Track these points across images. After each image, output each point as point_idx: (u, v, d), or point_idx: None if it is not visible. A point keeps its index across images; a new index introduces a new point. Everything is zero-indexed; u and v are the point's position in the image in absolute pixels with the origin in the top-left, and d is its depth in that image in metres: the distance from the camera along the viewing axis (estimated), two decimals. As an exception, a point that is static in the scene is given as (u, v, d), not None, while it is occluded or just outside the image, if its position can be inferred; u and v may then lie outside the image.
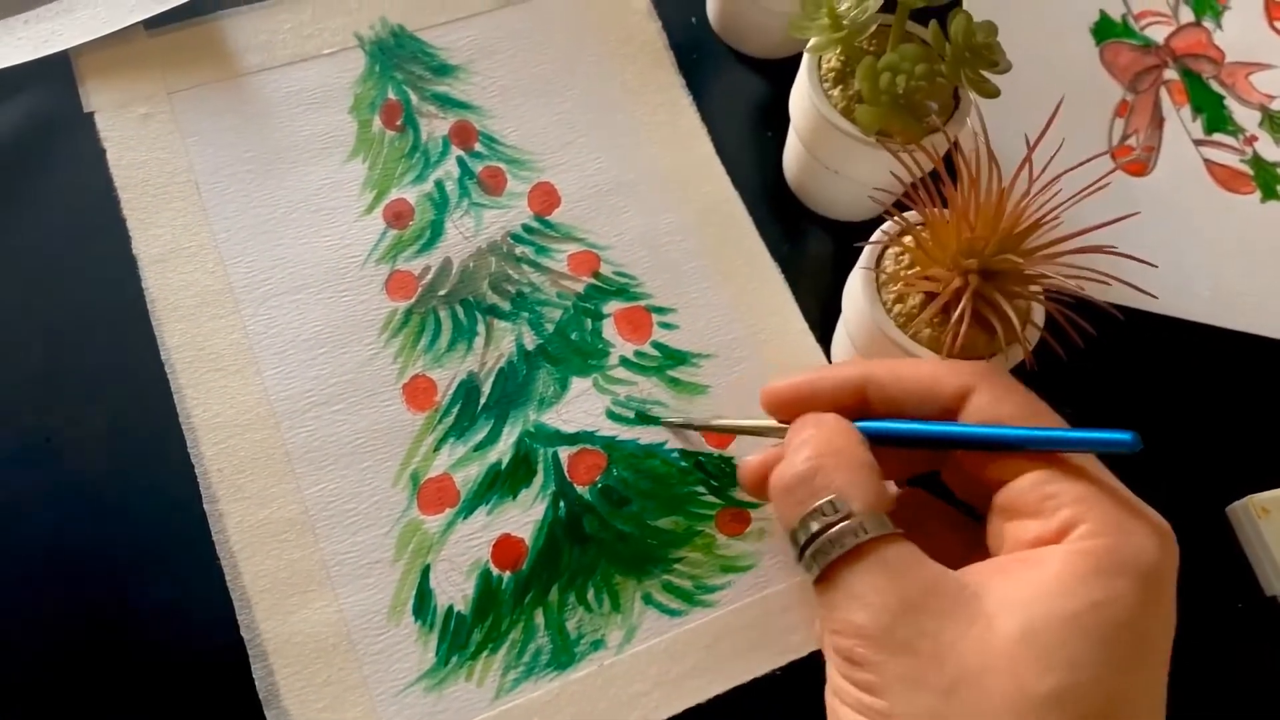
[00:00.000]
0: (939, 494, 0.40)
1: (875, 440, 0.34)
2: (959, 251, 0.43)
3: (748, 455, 0.39)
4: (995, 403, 0.33)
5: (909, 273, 0.45)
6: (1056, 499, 0.30)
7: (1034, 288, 0.44)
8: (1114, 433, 0.30)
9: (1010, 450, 0.32)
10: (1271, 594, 0.48)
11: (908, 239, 0.45)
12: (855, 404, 0.35)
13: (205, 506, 0.45)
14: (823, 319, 0.52)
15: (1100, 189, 0.42)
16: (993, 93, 0.47)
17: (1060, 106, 0.43)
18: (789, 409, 0.36)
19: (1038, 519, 0.30)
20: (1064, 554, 0.29)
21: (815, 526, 0.31)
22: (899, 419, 0.34)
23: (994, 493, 0.33)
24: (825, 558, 0.30)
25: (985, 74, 0.47)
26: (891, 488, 0.38)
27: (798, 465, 0.32)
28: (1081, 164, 0.43)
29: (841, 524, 0.30)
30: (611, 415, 0.49)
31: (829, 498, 0.31)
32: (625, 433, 0.48)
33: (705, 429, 0.47)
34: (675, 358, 0.50)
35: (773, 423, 0.37)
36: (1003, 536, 0.32)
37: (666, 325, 0.51)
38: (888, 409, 0.34)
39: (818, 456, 0.32)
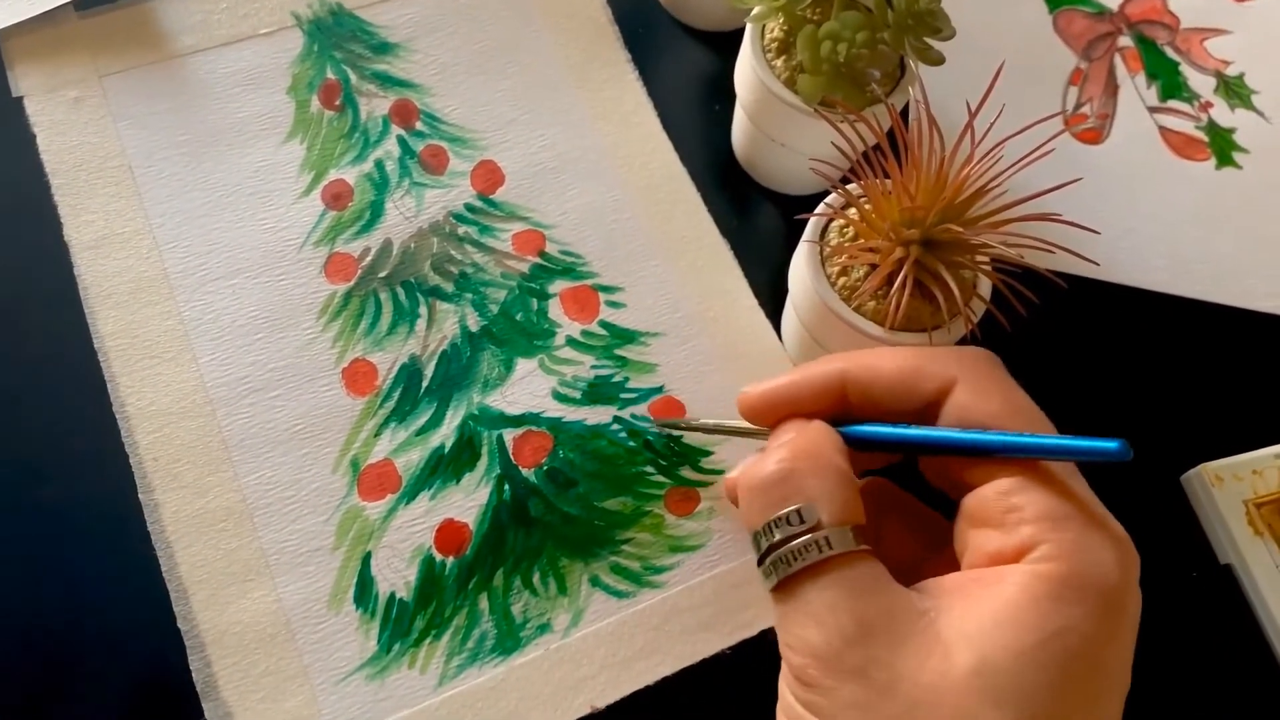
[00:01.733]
0: (908, 480, 0.39)
1: (856, 445, 0.32)
2: (900, 222, 0.42)
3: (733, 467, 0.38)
4: (976, 400, 0.31)
5: (852, 244, 0.44)
6: (1019, 513, 0.29)
7: (980, 258, 0.43)
8: (1099, 441, 0.28)
9: (985, 456, 0.31)
10: (1225, 562, 0.48)
11: (851, 211, 0.45)
12: (835, 405, 0.33)
13: (140, 496, 0.44)
14: (773, 295, 0.51)
15: (1044, 155, 0.42)
16: (936, 60, 0.46)
17: (1001, 71, 0.42)
18: (766, 415, 0.34)
19: (1000, 531, 0.29)
20: (1021, 577, 0.28)
21: (779, 534, 0.30)
22: (878, 417, 0.33)
23: (964, 495, 0.32)
24: (786, 569, 0.29)
25: (929, 41, 0.46)
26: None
27: (770, 466, 0.31)
28: (1024, 129, 0.42)
29: (806, 536, 0.29)
30: (558, 396, 0.48)
31: (797, 505, 0.30)
32: (571, 413, 0.47)
33: (694, 429, 0.46)
34: (623, 337, 0.50)
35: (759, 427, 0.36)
36: (966, 543, 0.31)
37: (614, 304, 0.50)
38: (867, 407, 0.33)
39: (793, 459, 0.31)
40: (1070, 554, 0.28)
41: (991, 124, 0.41)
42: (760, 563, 0.30)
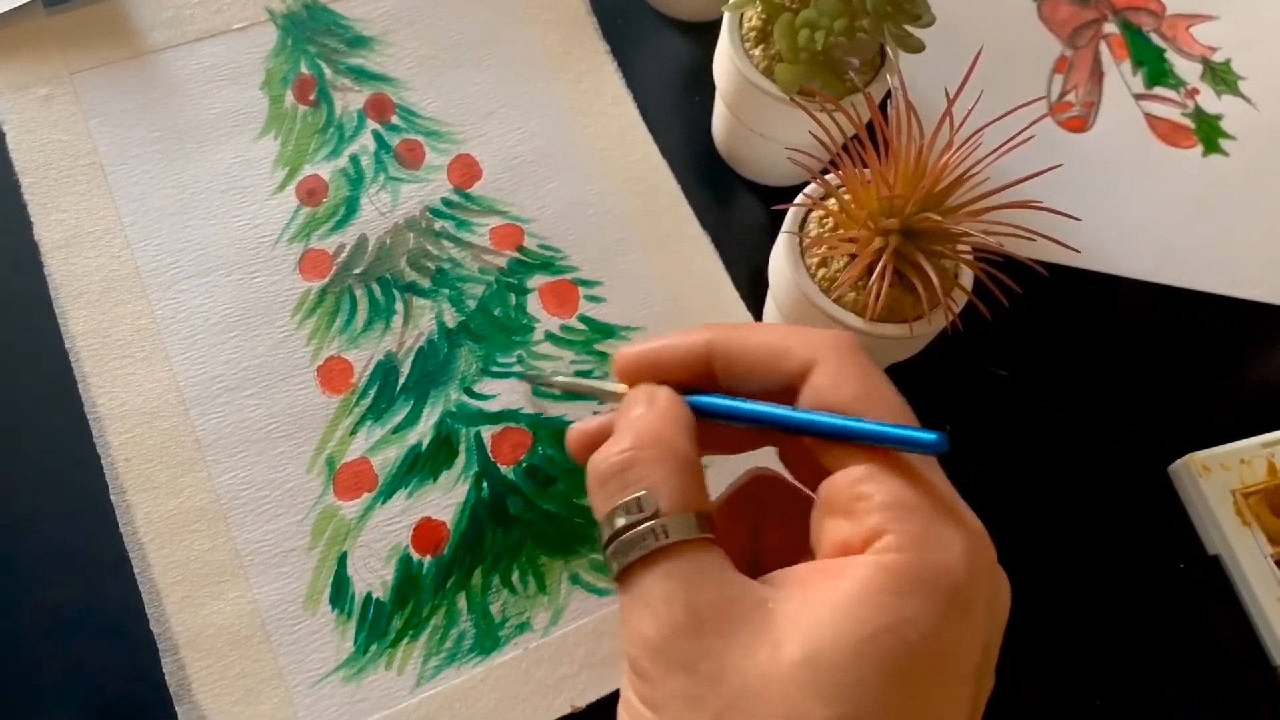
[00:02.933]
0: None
1: (704, 415, 0.32)
2: (879, 211, 0.41)
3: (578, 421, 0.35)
4: (833, 384, 0.30)
5: (830, 235, 0.43)
6: (868, 501, 0.28)
7: (961, 247, 0.43)
8: (919, 431, 0.28)
9: (822, 438, 0.30)
10: (1214, 552, 0.48)
11: (830, 202, 0.44)
12: (701, 374, 0.32)
13: (112, 498, 0.43)
14: (754, 287, 0.51)
15: (1024, 142, 0.41)
16: (916, 47, 0.46)
17: (979, 57, 0.42)
18: (636, 377, 0.34)
19: (849, 520, 0.28)
20: (863, 568, 0.27)
21: (620, 523, 0.29)
22: (743, 393, 0.32)
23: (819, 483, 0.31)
24: (624, 558, 0.28)
25: (909, 28, 0.46)
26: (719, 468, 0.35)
27: (613, 456, 0.30)
28: (1003, 116, 0.41)
29: (645, 524, 0.28)
30: (537, 392, 0.47)
31: (638, 494, 0.29)
32: (551, 409, 0.47)
33: (562, 386, 0.43)
34: (603, 331, 0.49)
35: (622, 387, 0.35)
36: (820, 533, 0.30)
37: (593, 298, 0.50)
38: (732, 381, 0.32)
39: (635, 448, 0.30)
40: (915, 545, 0.27)
41: (970, 110, 0.40)
42: (604, 552, 0.30)
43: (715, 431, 0.32)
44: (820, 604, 0.27)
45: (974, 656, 0.28)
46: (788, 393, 0.31)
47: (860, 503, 0.28)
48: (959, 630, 0.27)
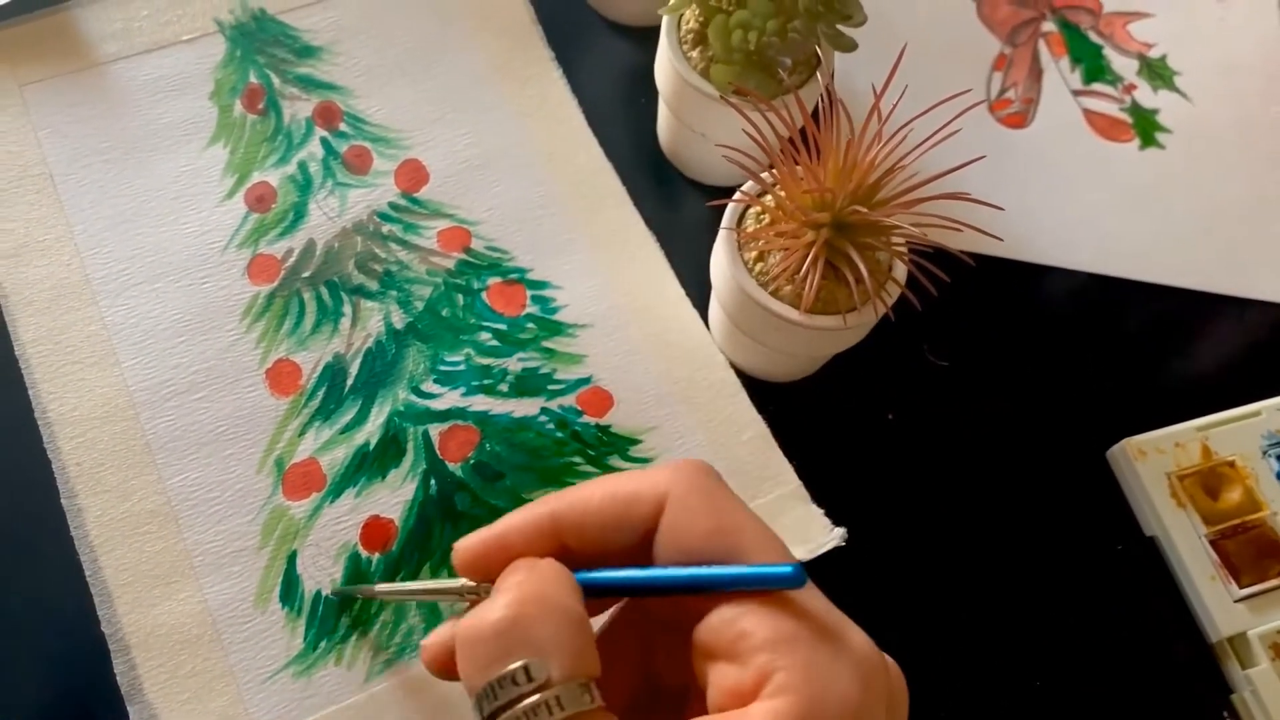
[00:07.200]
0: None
1: (590, 592, 0.29)
2: (811, 206, 0.42)
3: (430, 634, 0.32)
4: (686, 520, 0.29)
5: (763, 228, 0.44)
6: (749, 639, 0.27)
7: (896, 240, 0.44)
8: (776, 568, 0.27)
9: (687, 594, 0.29)
10: (1150, 534, 0.49)
11: (767, 198, 0.45)
12: (553, 549, 0.30)
13: (63, 502, 0.44)
14: (700, 284, 0.51)
15: (951, 134, 0.42)
16: (848, 46, 0.47)
17: (904, 51, 0.43)
18: (480, 568, 0.31)
19: (734, 664, 0.27)
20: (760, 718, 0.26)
21: (504, 697, 0.26)
22: (602, 558, 0.30)
23: (692, 627, 0.29)
24: None
25: (841, 28, 0.47)
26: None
27: (493, 614, 0.27)
28: (930, 109, 0.42)
29: (534, 696, 0.25)
30: (485, 390, 0.48)
31: (524, 661, 0.26)
32: (499, 406, 0.48)
33: (387, 596, 0.42)
34: (551, 329, 0.50)
35: (463, 581, 0.32)
36: (705, 679, 0.28)
37: (541, 298, 0.50)
38: (586, 546, 0.30)
39: (519, 604, 0.27)
40: (806, 681, 0.26)
41: (895, 104, 0.41)
42: None
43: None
44: None
45: None
46: (645, 540, 0.30)
47: (742, 642, 0.27)
48: None
